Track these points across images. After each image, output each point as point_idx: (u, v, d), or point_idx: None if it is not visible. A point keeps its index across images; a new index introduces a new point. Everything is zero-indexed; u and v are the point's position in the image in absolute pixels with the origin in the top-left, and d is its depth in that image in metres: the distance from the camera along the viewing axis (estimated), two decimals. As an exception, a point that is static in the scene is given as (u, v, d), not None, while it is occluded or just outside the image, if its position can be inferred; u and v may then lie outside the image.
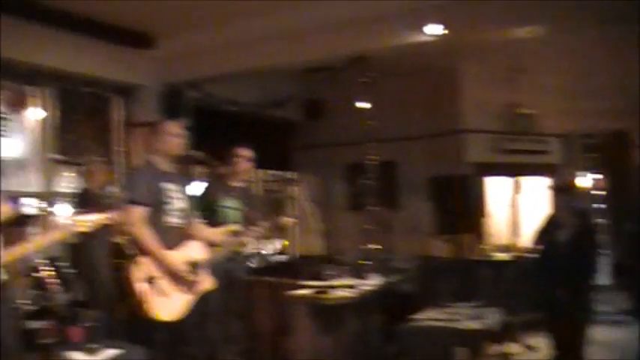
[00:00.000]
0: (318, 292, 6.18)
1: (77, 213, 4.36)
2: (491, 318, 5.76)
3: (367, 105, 7.48)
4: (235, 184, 6.19)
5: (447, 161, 9.18)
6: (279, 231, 5.21)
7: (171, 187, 4.88)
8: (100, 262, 6.33)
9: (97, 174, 6.76)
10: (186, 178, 5.25)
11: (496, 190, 9.88)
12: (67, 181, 7.41)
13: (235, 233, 5.51)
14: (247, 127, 9.95)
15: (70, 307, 6.32)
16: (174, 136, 4.94)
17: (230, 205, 6.02)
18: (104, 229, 4.66)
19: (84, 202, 6.25)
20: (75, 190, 6.64)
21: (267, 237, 5.33)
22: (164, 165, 4.95)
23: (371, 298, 6.57)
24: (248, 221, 5.90)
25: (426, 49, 7.12)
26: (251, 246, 5.35)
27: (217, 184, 6.16)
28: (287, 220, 5.24)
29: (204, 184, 6.23)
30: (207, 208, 5.59)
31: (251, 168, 6.35)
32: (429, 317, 5.75)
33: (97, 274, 6.25)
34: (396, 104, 9.61)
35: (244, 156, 6.24)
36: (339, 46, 7.43)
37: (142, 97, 8.55)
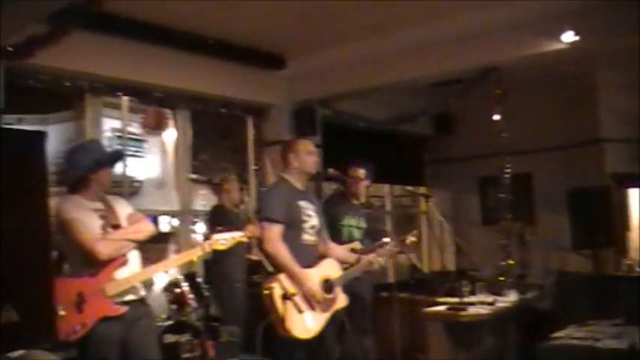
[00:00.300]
0: (453, 309, 6.09)
1: (214, 231, 4.48)
2: (633, 337, 5.48)
3: (500, 117, 7.31)
4: (355, 201, 6.20)
5: (586, 172, 8.84)
6: (406, 248, 5.16)
7: (305, 205, 4.96)
8: (235, 278, 6.46)
9: (231, 192, 6.92)
10: (318, 196, 5.31)
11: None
12: (203, 200, 7.64)
13: (364, 251, 5.52)
14: (378, 143, 9.96)
15: (206, 322, 6.50)
16: (309, 154, 5.01)
17: (352, 223, 6.05)
18: (239, 247, 4.75)
19: (217, 219, 6.39)
20: (209, 208, 6.81)
21: (395, 254, 5.28)
22: (299, 183, 5.02)
23: (507, 315, 6.45)
24: (373, 239, 5.90)
25: (561, 57, 6.90)
26: (382, 263, 5.30)
27: (338, 202, 6.20)
28: (411, 239, 5.18)
29: (324, 202, 6.26)
30: (329, 226, 5.59)
31: (367, 186, 6.32)
32: (568, 335, 5.54)
33: (231, 291, 6.37)
34: (530, 115, 9.37)
35: (359, 176, 6.22)
36: (470, 59, 7.33)
37: (273, 116, 8.71)
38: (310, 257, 4.91)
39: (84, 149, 4.43)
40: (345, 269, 5.18)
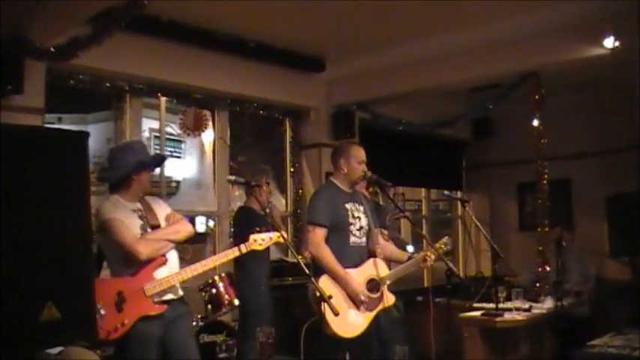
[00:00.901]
0: (489, 315, 6.08)
1: (252, 232, 4.49)
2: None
3: (539, 122, 7.24)
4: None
5: (624, 178, 8.71)
6: (435, 252, 5.12)
7: (353, 207, 5.00)
8: (260, 281, 6.46)
9: (263, 194, 6.93)
10: (366, 198, 5.32)
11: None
12: (240, 201, 7.68)
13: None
14: (416, 147, 9.94)
15: (241, 322, 6.52)
16: (360, 162, 5.04)
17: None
18: (264, 250, 4.77)
19: (244, 221, 6.41)
20: (239, 209, 6.80)
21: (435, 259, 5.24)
22: (346, 186, 5.04)
23: (543, 322, 6.40)
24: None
25: (600, 62, 6.82)
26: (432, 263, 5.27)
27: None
28: (441, 246, 5.14)
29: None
30: None
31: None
32: (605, 344, 5.48)
33: (256, 293, 6.37)
34: (569, 120, 9.28)
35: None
36: (510, 63, 7.29)
37: (311, 119, 8.72)
38: (358, 258, 4.94)
39: (129, 149, 4.47)
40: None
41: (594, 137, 9.52)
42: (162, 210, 4.51)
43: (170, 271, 4.27)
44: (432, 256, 5.08)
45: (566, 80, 8.36)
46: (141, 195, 4.46)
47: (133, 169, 4.31)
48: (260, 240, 4.42)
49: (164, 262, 4.25)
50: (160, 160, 5.02)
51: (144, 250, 4.14)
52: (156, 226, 4.36)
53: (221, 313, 6.46)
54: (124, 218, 4.21)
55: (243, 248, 4.41)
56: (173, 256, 4.37)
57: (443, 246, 5.14)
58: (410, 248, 5.69)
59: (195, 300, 5.94)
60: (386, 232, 6.03)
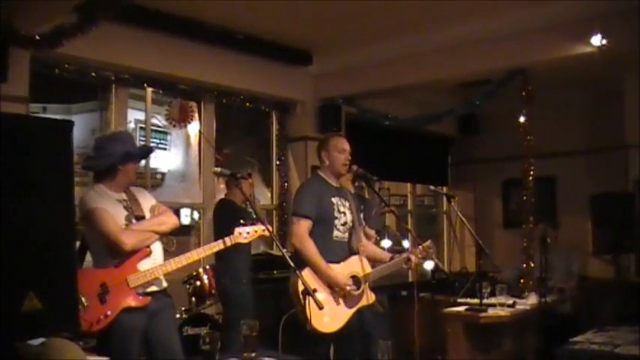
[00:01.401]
0: (473, 310, 6.09)
1: (236, 225, 4.47)
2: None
3: (526, 119, 7.25)
4: None
5: (611, 178, 8.76)
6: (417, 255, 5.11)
7: (338, 202, 4.99)
8: (241, 275, 6.44)
9: (245, 187, 6.88)
10: (351, 193, 5.30)
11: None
12: (223, 193, 7.65)
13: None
14: (402, 141, 9.94)
15: (225, 315, 6.50)
16: (340, 152, 5.02)
17: None
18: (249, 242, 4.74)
19: (225, 214, 6.39)
20: (219, 202, 6.76)
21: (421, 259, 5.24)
22: (333, 179, 5.04)
23: (527, 318, 6.42)
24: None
25: (588, 60, 6.84)
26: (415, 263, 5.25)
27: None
28: (423, 249, 5.13)
29: None
30: None
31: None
32: (587, 340, 5.49)
33: (238, 287, 6.36)
34: (555, 118, 9.33)
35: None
36: (498, 60, 7.30)
37: (298, 112, 8.71)
38: (340, 253, 4.93)
39: (116, 139, 4.43)
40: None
41: (581, 135, 9.57)
42: (147, 201, 4.48)
43: (154, 263, 4.23)
44: (414, 259, 5.08)
45: (554, 78, 8.37)
46: (126, 186, 4.43)
47: (120, 159, 4.27)
48: (245, 233, 4.40)
49: (148, 254, 4.22)
50: (147, 151, 4.99)
51: (128, 240, 4.11)
52: (141, 217, 4.33)
53: (205, 305, 6.48)
54: (109, 208, 4.18)
55: (228, 241, 4.38)
56: (157, 248, 4.34)
57: (425, 253, 5.12)
58: (405, 243, 5.68)
59: (179, 292, 5.93)
60: (373, 232, 6.03)
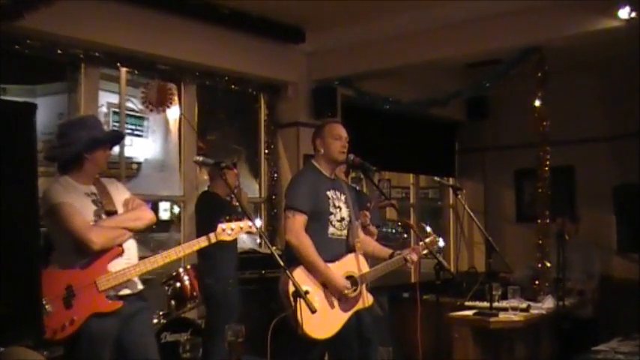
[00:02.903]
0: (482, 314, 6.09)
1: (220, 220, 4.45)
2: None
3: (541, 103, 7.23)
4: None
5: (636, 167, 8.76)
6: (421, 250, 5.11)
7: (334, 195, 4.98)
8: (227, 274, 6.43)
9: (230, 178, 6.85)
10: (350, 185, 5.29)
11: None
12: (207, 185, 7.64)
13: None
14: (404, 127, 9.92)
15: (208, 319, 6.49)
16: (336, 138, 5.00)
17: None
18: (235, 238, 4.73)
19: (208, 207, 6.37)
20: (202, 194, 6.74)
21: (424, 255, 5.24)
22: (327, 170, 5.03)
23: (542, 323, 6.44)
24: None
25: (612, 36, 6.81)
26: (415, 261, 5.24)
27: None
28: (425, 245, 5.12)
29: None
30: None
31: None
32: (612, 349, 5.48)
33: (223, 287, 6.35)
34: (575, 101, 9.31)
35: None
36: (511, 37, 7.27)
37: (289, 95, 8.66)
38: (337, 251, 4.92)
39: (81, 124, 4.40)
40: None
41: (602, 121, 9.55)
42: (120, 194, 4.45)
43: (129, 263, 4.21)
44: (415, 257, 5.07)
45: (572, 57, 8.36)
46: (96, 177, 4.40)
47: (85, 147, 4.24)
48: (229, 230, 4.37)
49: (121, 253, 4.19)
50: (116, 136, 4.91)
51: (97, 238, 4.07)
52: (112, 212, 4.30)
53: (186, 309, 6.47)
54: (75, 202, 4.14)
55: (213, 238, 4.36)
56: (132, 247, 4.31)
57: (430, 247, 5.11)
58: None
59: (157, 295, 5.90)
60: (375, 229, 6.02)
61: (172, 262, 4.38)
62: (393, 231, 10.01)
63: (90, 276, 4.05)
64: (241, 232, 4.48)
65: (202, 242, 4.36)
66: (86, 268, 4.07)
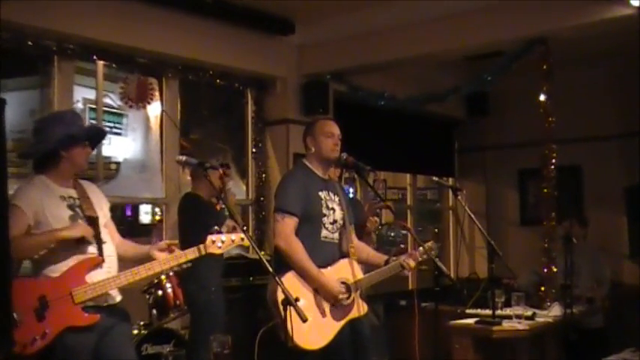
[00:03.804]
0: (484, 323, 6.08)
1: (212, 232, 4.43)
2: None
3: (547, 98, 7.23)
4: None
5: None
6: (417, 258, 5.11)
7: (327, 197, 4.98)
8: (211, 282, 6.40)
9: (214, 179, 6.79)
10: (343, 186, 5.27)
11: None
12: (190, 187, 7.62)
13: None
14: (400, 125, 9.91)
15: (192, 329, 6.46)
16: (328, 136, 5.00)
17: None
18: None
19: (192, 212, 6.33)
20: (184, 196, 6.70)
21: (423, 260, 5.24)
22: (320, 170, 5.03)
23: (548, 332, 6.46)
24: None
25: (623, 26, 6.80)
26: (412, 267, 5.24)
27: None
28: (423, 253, 5.12)
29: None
30: None
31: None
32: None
33: (206, 295, 6.32)
34: (582, 97, 9.32)
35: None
36: (513, 28, 7.28)
37: (278, 91, 8.66)
38: (329, 256, 4.92)
39: (58, 120, 4.37)
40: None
41: (612, 117, 9.58)
42: (99, 200, 4.42)
43: (109, 273, 4.17)
44: (413, 263, 5.06)
45: (580, 49, 8.38)
46: (76, 179, 4.36)
47: (62, 143, 4.19)
48: (219, 242, 4.32)
49: (100, 263, 4.15)
50: (96, 133, 4.74)
51: (16, 249, 3.83)
52: (92, 218, 4.25)
53: (169, 319, 6.43)
54: (49, 206, 4.11)
55: (202, 250, 4.31)
56: (112, 256, 4.28)
57: (425, 255, 5.11)
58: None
59: (137, 303, 5.86)
60: (377, 219, 6.01)
61: (156, 275, 4.34)
62: (393, 234, 10.00)
63: (65, 286, 4.01)
64: (232, 246, 4.44)
65: (190, 255, 4.31)
66: (62, 277, 4.04)
